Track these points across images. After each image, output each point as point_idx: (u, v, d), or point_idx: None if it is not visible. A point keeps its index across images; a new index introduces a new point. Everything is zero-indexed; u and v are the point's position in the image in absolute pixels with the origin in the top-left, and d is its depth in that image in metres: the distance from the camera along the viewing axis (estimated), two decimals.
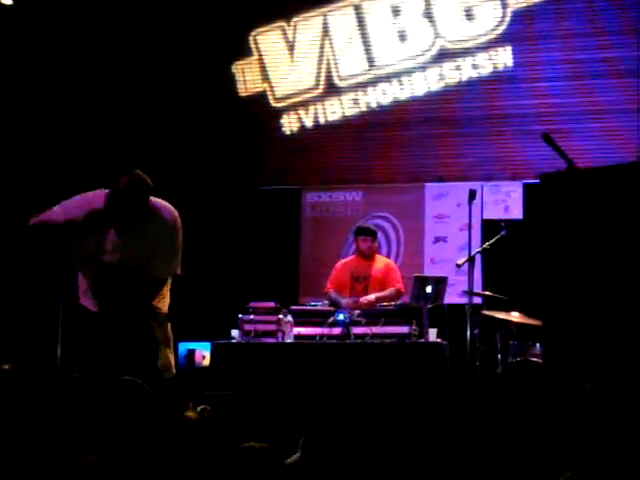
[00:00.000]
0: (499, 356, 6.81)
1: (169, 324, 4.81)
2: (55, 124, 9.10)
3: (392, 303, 7.05)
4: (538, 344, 6.66)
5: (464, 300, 7.03)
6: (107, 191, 4.55)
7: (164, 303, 4.76)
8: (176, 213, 4.70)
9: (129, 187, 4.46)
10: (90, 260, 4.59)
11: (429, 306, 6.77)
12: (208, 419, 3.43)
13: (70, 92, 9.18)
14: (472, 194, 6.77)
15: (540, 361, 6.47)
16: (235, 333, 6.91)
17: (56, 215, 4.54)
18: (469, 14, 9.08)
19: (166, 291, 4.78)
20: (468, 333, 6.64)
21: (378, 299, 7.19)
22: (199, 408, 3.69)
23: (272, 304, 6.88)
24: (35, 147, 9.00)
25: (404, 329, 6.63)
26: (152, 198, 4.61)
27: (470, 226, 6.83)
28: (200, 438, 3.24)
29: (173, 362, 4.76)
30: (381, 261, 7.71)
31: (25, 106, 9.06)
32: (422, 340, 6.62)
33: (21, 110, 9.05)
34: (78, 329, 4.86)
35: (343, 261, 7.83)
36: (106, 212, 4.47)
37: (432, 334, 6.72)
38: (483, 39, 9.03)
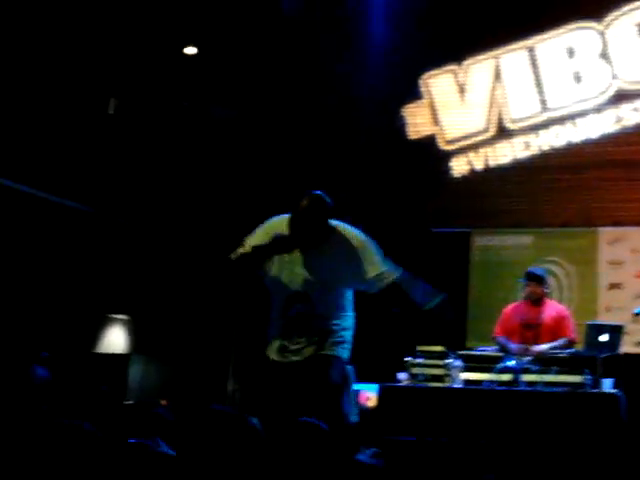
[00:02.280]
0: None
1: (348, 367, 4.89)
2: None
3: (565, 351, 6.87)
4: None
5: None
6: (289, 214, 4.75)
7: (343, 347, 4.83)
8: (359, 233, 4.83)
9: (309, 206, 4.66)
10: (281, 283, 4.77)
11: (604, 355, 6.56)
12: (380, 464, 3.42)
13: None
14: None
15: None
16: (402, 376, 6.88)
17: (248, 246, 4.78)
18: None
19: (347, 335, 4.88)
20: None
21: (550, 350, 7.01)
22: (370, 451, 3.68)
23: (441, 348, 6.83)
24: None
25: (577, 378, 6.43)
26: (336, 222, 4.78)
27: None
28: None
29: (350, 405, 4.81)
30: (552, 308, 7.50)
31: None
32: (596, 390, 6.40)
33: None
34: (257, 374, 4.99)
35: (512, 305, 7.67)
36: (290, 233, 4.67)
37: (607, 384, 6.49)
38: None
